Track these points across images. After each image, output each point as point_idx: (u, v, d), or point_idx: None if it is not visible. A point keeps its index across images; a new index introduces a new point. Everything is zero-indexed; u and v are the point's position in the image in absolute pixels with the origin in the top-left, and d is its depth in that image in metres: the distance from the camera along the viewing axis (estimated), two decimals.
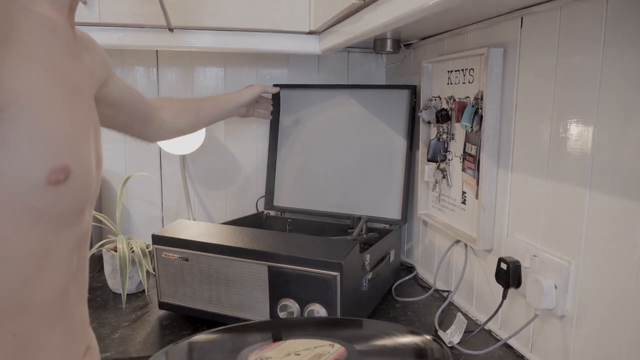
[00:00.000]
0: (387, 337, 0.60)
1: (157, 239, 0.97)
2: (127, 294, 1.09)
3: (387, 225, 1.25)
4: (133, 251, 1.06)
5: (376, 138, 1.29)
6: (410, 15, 0.69)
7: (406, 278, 1.22)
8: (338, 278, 0.83)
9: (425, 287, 1.18)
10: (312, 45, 1.15)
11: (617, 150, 0.65)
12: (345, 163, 1.33)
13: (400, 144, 1.27)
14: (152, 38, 1.09)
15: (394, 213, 1.27)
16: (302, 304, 0.86)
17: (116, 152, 1.34)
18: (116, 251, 1.07)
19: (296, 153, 1.38)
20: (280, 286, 0.87)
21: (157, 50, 1.32)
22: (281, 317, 0.88)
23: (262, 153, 1.43)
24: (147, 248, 1.09)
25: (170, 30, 0.78)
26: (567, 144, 0.75)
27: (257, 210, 1.41)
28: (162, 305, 0.99)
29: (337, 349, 0.55)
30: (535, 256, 0.81)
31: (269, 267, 0.87)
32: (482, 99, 0.93)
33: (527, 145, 0.84)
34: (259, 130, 1.42)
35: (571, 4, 0.73)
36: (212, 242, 0.92)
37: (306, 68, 1.43)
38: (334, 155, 1.34)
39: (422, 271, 1.26)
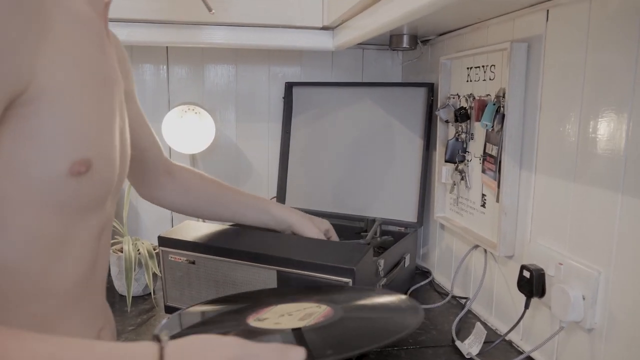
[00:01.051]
0: (368, 297, 0.69)
1: (164, 241, 0.93)
2: (134, 297, 1.06)
3: (402, 229, 1.21)
4: (140, 252, 1.03)
5: (391, 137, 1.25)
6: (429, 7, 0.65)
7: (422, 283, 1.17)
8: (350, 285, 0.78)
9: (442, 293, 1.13)
10: (326, 41, 1.11)
11: None
12: (359, 163, 1.28)
13: (416, 143, 1.22)
14: (162, 34, 1.06)
15: (410, 215, 1.22)
16: None
17: None
18: (122, 252, 1.05)
19: (309, 152, 1.35)
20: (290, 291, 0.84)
21: (167, 47, 1.29)
22: None
23: (273, 152, 1.40)
24: (155, 250, 1.06)
25: (210, 11, 0.76)
26: (597, 144, 0.69)
27: None
28: (168, 310, 0.96)
29: (324, 308, 0.61)
30: (561, 264, 0.76)
31: (278, 272, 0.84)
32: (504, 97, 0.88)
33: (552, 146, 0.79)
34: (270, 129, 1.39)
35: None
36: (219, 245, 0.88)
37: (320, 66, 1.39)
38: (347, 155, 1.30)
39: (438, 276, 1.21)
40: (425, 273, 1.24)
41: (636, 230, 0.64)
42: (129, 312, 0.99)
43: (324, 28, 1.09)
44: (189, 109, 1.25)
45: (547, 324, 0.82)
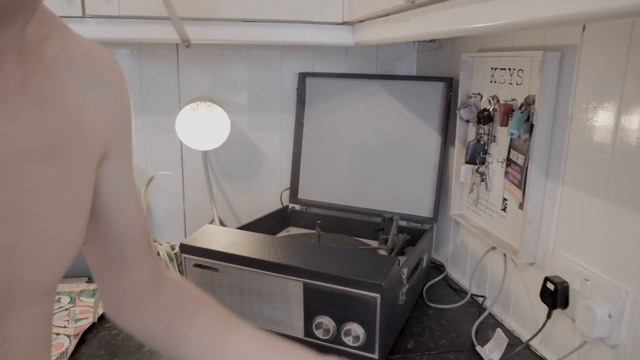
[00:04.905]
0: None
1: (186, 248, 0.93)
2: None
3: (418, 225, 1.21)
4: (158, 254, 1.03)
5: (408, 132, 1.23)
6: (473, 30, 0.62)
7: (437, 279, 1.19)
8: (379, 299, 0.79)
9: (458, 290, 1.15)
10: (344, 37, 1.07)
11: None
12: (375, 157, 1.27)
13: (433, 139, 1.21)
14: (172, 31, 1.02)
15: (425, 211, 1.22)
16: (339, 323, 0.83)
17: (136, 146, 1.29)
18: None
19: (322, 145, 1.33)
20: (316, 303, 0.84)
21: None
22: (317, 334, 0.85)
23: (286, 144, 1.38)
24: (173, 250, 1.06)
25: (187, 45, 0.55)
26: (632, 163, 0.69)
27: (282, 203, 1.37)
28: None
29: None
30: (587, 280, 0.77)
31: (305, 284, 0.84)
32: (532, 105, 0.86)
33: (583, 160, 0.78)
34: (282, 121, 1.36)
35: None
36: (245, 254, 0.88)
37: (333, 54, 1.35)
38: (362, 148, 1.28)
39: (452, 271, 1.23)
40: (439, 267, 1.26)
41: None
42: None
43: (344, 23, 1.06)
44: (199, 104, 1.22)
45: (567, 334, 0.83)
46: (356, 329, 0.82)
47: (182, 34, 0.53)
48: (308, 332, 0.86)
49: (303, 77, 1.32)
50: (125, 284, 0.56)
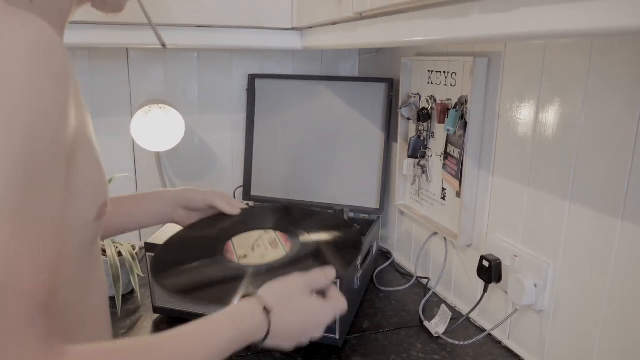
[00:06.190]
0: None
1: (151, 247, 0.96)
2: None
3: (366, 216, 1.30)
4: (121, 255, 1.05)
5: (354, 129, 1.32)
6: (415, 42, 0.71)
7: (385, 265, 1.28)
8: (338, 284, 0.87)
9: (404, 273, 1.25)
10: (294, 41, 1.13)
11: (597, 165, 0.72)
12: (323, 153, 1.35)
13: (377, 136, 1.30)
14: (125, 35, 1.04)
15: (372, 202, 1.31)
16: None
17: None
18: (103, 255, 1.06)
19: (273, 143, 1.39)
20: None
21: None
22: None
23: (238, 143, 1.42)
24: (134, 250, 1.08)
25: (164, 46, 0.70)
26: (549, 154, 0.81)
27: None
28: (157, 310, 1.00)
29: (275, 234, 0.76)
30: (516, 256, 0.88)
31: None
32: (465, 104, 0.97)
33: (509, 152, 0.90)
34: (234, 120, 1.41)
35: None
36: None
37: (281, 56, 1.41)
38: (311, 146, 1.36)
39: (398, 257, 1.33)
40: (386, 254, 1.36)
41: (580, 230, 0.76)
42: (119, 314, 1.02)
43: (293, 29, 1.12)
44: (152, 106, 1.24)
45: (501, 304, 0.95)
46: None
47: (160, 39, 0.69)
48: None
49: (252, 78, 1.37)
50: None
